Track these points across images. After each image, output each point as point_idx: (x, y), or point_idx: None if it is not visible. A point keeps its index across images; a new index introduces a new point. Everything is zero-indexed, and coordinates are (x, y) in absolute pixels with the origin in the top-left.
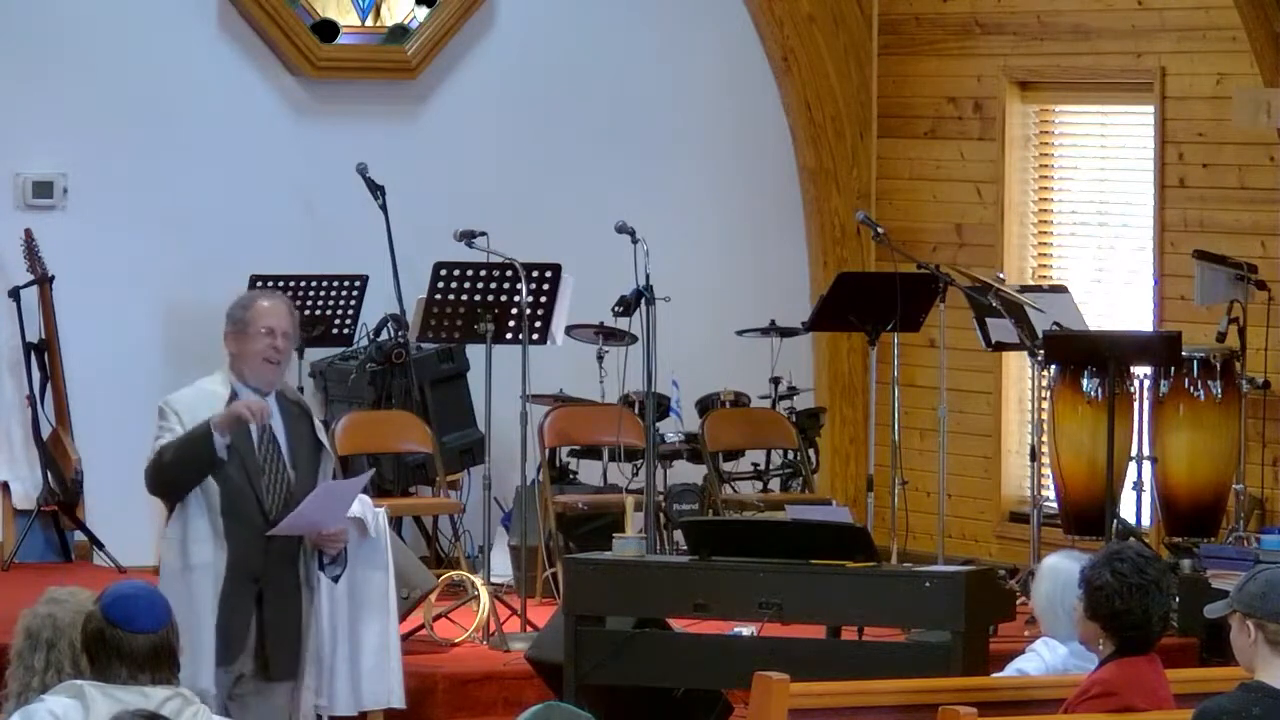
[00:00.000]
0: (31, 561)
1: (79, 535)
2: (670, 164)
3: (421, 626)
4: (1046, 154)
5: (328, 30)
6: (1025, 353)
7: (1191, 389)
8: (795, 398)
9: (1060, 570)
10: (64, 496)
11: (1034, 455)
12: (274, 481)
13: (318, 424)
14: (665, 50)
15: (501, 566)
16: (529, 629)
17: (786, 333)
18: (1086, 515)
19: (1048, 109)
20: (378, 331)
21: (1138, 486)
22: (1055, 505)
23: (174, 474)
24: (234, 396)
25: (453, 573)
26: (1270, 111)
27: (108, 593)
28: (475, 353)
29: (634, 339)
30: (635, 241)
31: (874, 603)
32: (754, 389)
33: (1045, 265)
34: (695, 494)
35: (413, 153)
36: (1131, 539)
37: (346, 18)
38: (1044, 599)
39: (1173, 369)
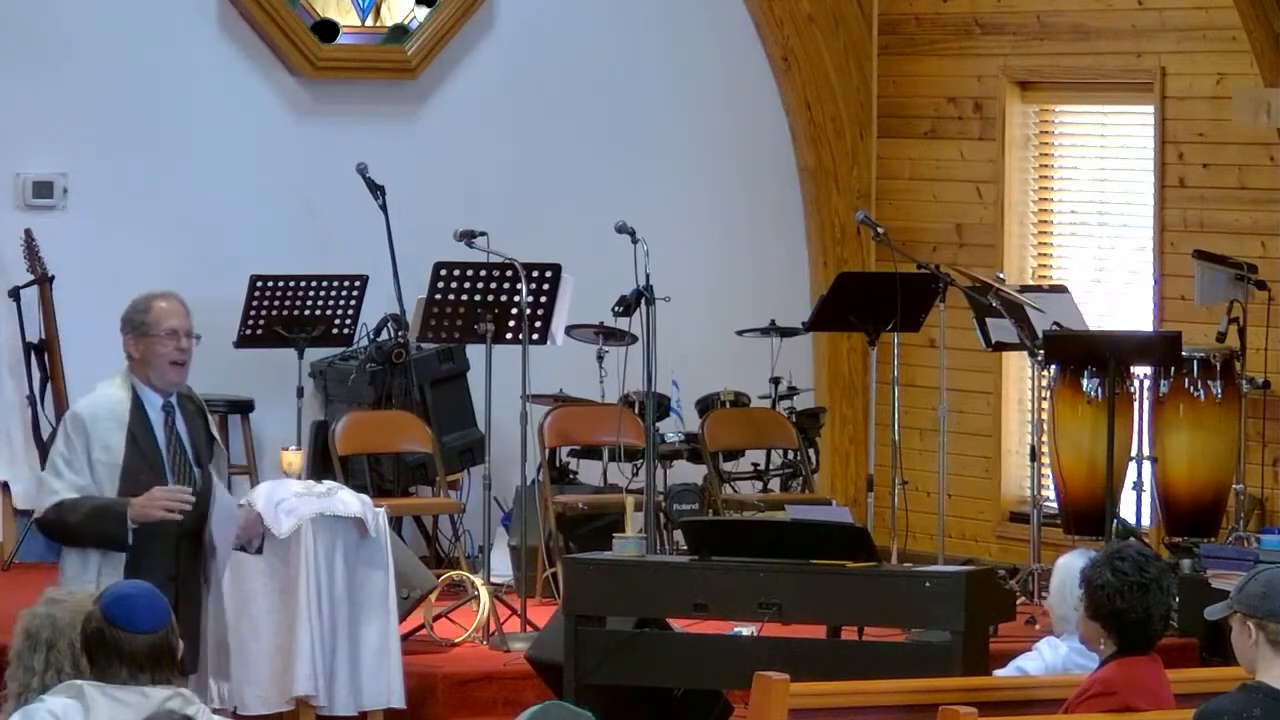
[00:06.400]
0: (31, 561)
1: None
2: (670, 164)
3: (421, 626)
4: (1046, 154)
5: (328, 30)
6: (1025, 353)
7: (1191, 389)
8: (795, 398)
9: (1073, 568)
10: None
11: (1034, 455)
12: (183, 484)
13: (211, 419)
14: (665, 50)
15: (501, 566)
16: (529, 629)
17: (786, 333)
18: (1086, 515)
19: (1048, 109)
20: (378, 331)
21: (1138, 486)
22: (1055, 505)
23: (75, 540)
24: (137, 400)
25: (453, 573)
26: (1270, 111)
27: (108, 593)
28: (475, 353)
29: (634, 339)
30: (635, 241)
31: (874, 603)
32: (754, 389)
33: (1045, 265)
34: (695, 494)
35: (413, 153)
36: (1131, 539)
37: (346, 18)
38: (1056, 596)
39: (1173, 369)
